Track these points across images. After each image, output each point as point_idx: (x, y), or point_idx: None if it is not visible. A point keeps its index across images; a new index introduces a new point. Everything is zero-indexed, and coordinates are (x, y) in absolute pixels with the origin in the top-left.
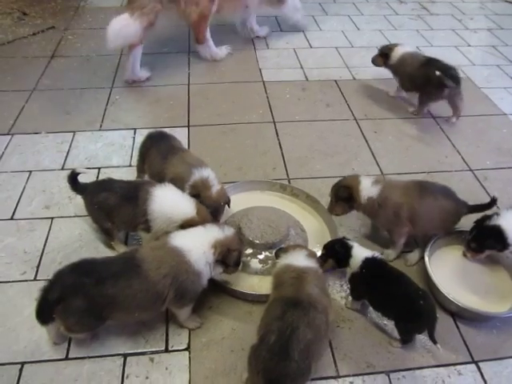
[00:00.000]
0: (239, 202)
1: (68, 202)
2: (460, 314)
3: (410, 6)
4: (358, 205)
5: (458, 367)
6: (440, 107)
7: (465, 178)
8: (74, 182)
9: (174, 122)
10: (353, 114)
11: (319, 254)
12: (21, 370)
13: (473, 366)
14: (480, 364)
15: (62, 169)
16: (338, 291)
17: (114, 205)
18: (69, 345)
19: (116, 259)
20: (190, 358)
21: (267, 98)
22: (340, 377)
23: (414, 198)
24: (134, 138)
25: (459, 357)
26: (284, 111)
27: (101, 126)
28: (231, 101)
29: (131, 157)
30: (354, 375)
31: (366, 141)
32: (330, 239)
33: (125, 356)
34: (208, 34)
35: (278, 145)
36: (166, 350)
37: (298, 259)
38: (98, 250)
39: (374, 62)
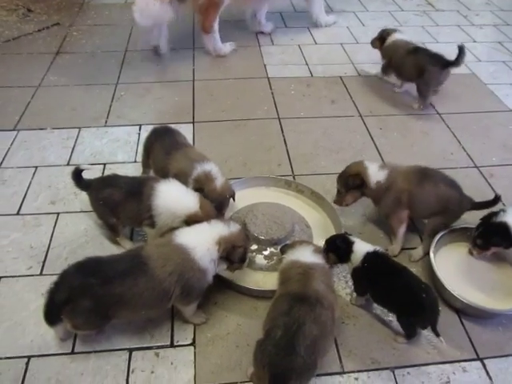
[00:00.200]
0: (244, 197)
1: (74, 197)
2: (465, 311)
3: (416, 2)
4: (368, 190)
5: (463, 364)
6: (445, 104)
7: (470, 175)
8: (78, 178)
9: (178, 118)
10: (358, 111)
11: None
12: (27, 364)
13: (478, 363)
14: (485, 361)
15: (68, 164)
16: (344, 287)
17: (118, 200)
18: (75, 339)
19: (122, 257)
20: (195, 353)
21: (272, 94)
22: (345, 373)
23: (413, 183)
24: (139, 134)
25: (464, 353)
26: (289, 107)
27: (106, 122)
28: (236, 97)
29: (136, 153)
30: (358, 371)
31: (371, 137)
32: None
33: (130, 351)
34: (216, 26)
35: (283, 141)
36: (172, 345)
37: (304, 255)
38: (104, 246)
39: (373, 43)
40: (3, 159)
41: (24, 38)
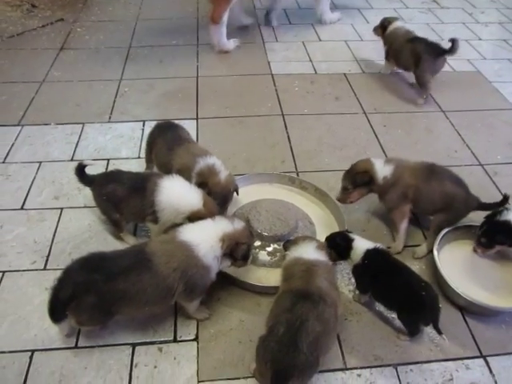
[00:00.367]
0: (248, 194)
1: (77, 192)
2: (469, 309)
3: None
4: (376, 186)
5: (466, 361)
6: (450, 101)
7: (475, 173)
8: (81, 173)
9: (182, 114)
10: (362, 108)
11: None
12: (31, 358)
13: (481, 361)
14: (488, 359)
15: (72, 160)
16: (347, 284)
17: (122, 196)
18: (78, 334)
19: (126, 253)
20: (198, 348)
21: (276, 90)
22: (348, 369)
23: (420, 179)
24: (142, 130)
25: (467, 351)
26: (293, 104)
27: (110, 118)
28: (240, 93)
29: (140, 149)
30: (361, 368)
31: (375, 134)
32: None
33: (133, 345)
34: (225, 18)
35: (287, 138)
36: (175, 340)
37: (307, 252)
38: (107, 241)
39: (375, 31)
40: (7, 154)
41: (28, 33)
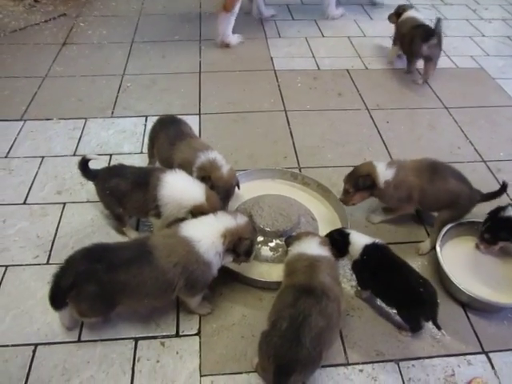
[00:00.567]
0: (250, 189)
1: (80, 187)
2: (471, 305)
3: None
4: (377, 190)
5: (468, 357)
6: (453, 98)
7: (477, 169)
8: (84, 168)
9: (185, 109)
10: (365, 104)
11: None
12: (34, 352)
13: (483, 357)
14: (490, 354)
15: (74, 155)
16: (349, 280)
17: (125, 190)
18: (81, 328)
19: (128, 245)
20: (200, 343)
21: (278, 86)
22: (350, 364)
23: (424, 179)
24: (145, 125)
25: (469, 347)
26: (295, 100)
27: (112, 113)
28: (242, 89)
29: (142, 144)
30: (363, 363)
31: (378, 130)
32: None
33: (136, 340)
34: (237, 8)
35: (290, 133)
36: (177, 335)
37: (310, 247)
38: (110, 236)
39: (390, 18)
40: (10, 149)
41: (30, 28)
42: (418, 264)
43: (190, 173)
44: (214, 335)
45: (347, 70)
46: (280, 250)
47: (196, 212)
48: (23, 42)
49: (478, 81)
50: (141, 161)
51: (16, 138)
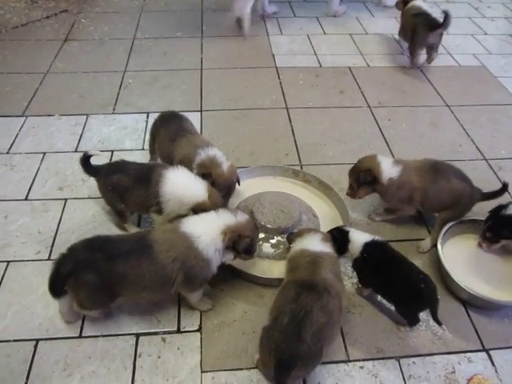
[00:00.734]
0: (252, 186)
1: (81, 183)
2: (472, 302)
3: None
4: (379, 186)
5: (469, 354)
6: (455, 96)
7: (479, 168)
8: (86, 164)
9: (186, 106)
10: (366, 102)
11: None
12: (35, 347)
13: (483, 354)
14: (491, 352)
15: (76, 151)
16: (350, 277)
17: (127, 186)
18: (82, 323)
19: (129, 238)
20: (201, 339)
21: (280, 83)
22: (350, 361)
23: (428, 180)
24: (146, 121)
25: (470, 344)
26: (297, 97)
27: (114, 110)
28: (244, 86)
29: (144, 140)
30: (364, 360)
31: (380, 128)
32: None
33: (137, 335)
34: None
35: (291, 131)
36: (178, 331)
37: (313, 244)
38: (112, 232)
39: (397, 5)
40: (12, 145)
41: (32, 24)
42: (418, 262)
43: (190, 169)
44: (215, 331)
45: (349, 68)
46: (281, 246)
47: (198, 209)
48: (25, 38)
49: (480, 79)
50: (142, 157)
51: (18, 134)
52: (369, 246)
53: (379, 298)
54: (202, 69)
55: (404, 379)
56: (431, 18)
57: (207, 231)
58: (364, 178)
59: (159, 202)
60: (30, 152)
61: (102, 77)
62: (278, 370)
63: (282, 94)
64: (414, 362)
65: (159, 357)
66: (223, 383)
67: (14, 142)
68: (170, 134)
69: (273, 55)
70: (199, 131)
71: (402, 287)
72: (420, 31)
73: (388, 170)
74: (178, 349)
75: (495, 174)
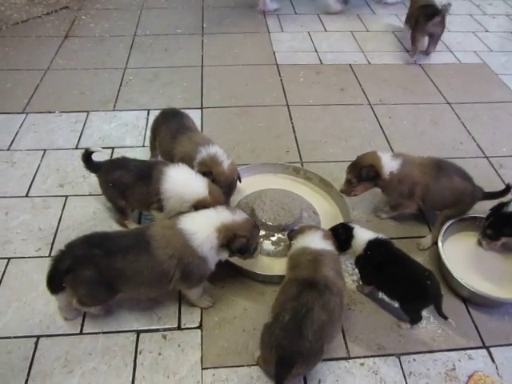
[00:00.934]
0: (252, 184)
1: (82, 180)
2: (472, 300)
3: None
4: (381, 181)
5: (469, 352)
6: (455, 93)
7: (480, 165)
8: (87, 160)
9: (187, 103)
10: (367, 99)
11: None
12: (36, 344)
13: (484, 351)
14: (491, 349)
15: (76, 148)
16: (350, 274)
17: (128, 183)
18: (83, 320)
19: (127, 234)
20: (202, 336)
21: (281, 81)
22: (351, 358)
23: (430, 176)
24: (147, 118)
25: (470, 342)
26: (298, 95)
27: (114, 107)
28: (245, 83)
29: (144, 137)
30: (364, 357)
31: (381, 126)
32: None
33: (138, 332)
34: None
35: (292, 128)
36: (179, 328)
37: (314, 241)
38: (112, 229)
39: None
40: (12, 141)
41: (32, 21)
42: (419, 259)
43: (190, 167)
44: (216, 328)
45: (350, 65)
46: (282, 244)
47: (199, 206)
48: (25, 35)
49: (481, 76)
50: (143, 154)
51: (18, 131)
52: (372, 244)
53: (380, 295)
54: (202, 66)
55: (404, 376)
56: (431, 8)
57: (202, 228)
58: (367, 173)
59: (160, 199)
60: (31, 149)
61: (102, 74)
62: (278, 366)
63: (283, 91)
64: (414, 359)
65: (160, 353)
66: (224, 380)
67: (14, 138)
68: (171, 132)
69: (273, 52)
70: (200, 128)
71: (407, 285)
72: (420, 20)
73: (388, 163)
74: (179, 346)
75: (496, 171)
